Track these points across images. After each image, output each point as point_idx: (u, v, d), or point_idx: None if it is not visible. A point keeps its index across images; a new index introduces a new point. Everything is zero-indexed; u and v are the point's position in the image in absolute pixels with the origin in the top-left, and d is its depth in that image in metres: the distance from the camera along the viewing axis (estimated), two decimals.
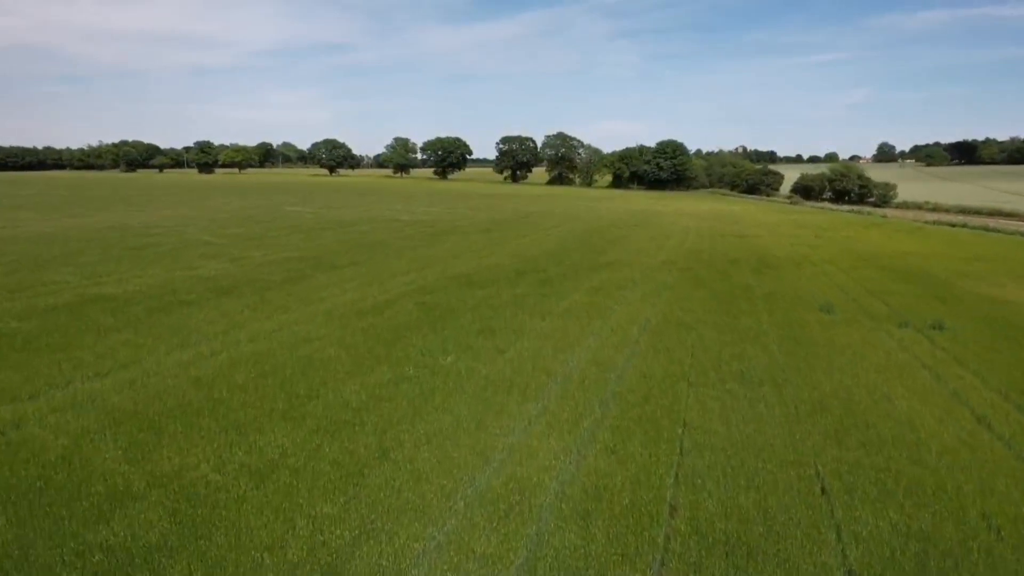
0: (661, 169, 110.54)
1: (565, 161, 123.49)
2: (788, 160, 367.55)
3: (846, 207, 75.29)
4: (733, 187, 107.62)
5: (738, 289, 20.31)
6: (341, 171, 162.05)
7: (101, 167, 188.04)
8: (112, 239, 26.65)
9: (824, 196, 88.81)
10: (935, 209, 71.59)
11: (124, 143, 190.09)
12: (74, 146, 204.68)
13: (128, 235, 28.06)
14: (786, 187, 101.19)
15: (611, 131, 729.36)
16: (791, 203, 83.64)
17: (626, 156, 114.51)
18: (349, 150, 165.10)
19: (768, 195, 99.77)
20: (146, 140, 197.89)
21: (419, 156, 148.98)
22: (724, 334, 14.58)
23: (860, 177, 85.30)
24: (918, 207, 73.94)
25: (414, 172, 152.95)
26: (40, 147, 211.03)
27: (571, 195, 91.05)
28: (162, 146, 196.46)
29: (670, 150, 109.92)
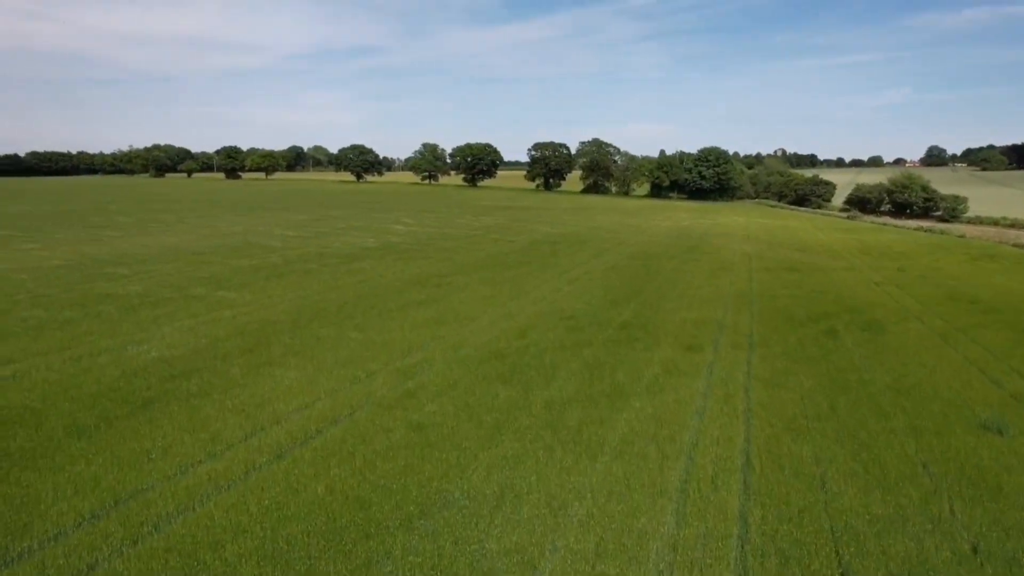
0: (703, 178, 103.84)
1: (601, 169, 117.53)
2: (829, 164, 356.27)
3: (912, 222, 68.49)
4: (780, 197, 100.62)
5: (850, 378, 15.07)
6: (368, 177, 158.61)
7: (131, 172, 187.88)
8: (56, 285, 22.35)
9: (883, 209, 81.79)
10: (1013, 225, 64.47)
11: (156, 147, 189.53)
12: (107, 150, 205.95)
13: (78, 280, 23.65)
14: (839, 197, 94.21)
15: (641, 133, 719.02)
16: (848, 217, 76.77)
17: (665, 164, 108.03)
18: (376, 155, 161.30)
19: (819, 207, 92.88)
20: (178, 144, 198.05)
21: (448, 162, 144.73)
22: (870, 497, 9.49)
23: (924, 188, 78.00)
24: (994, 223, 66.77)
25: (443, 179, 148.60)
26: (74, 152, 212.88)
27: (608, 207, 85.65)
28: (194, 150, 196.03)
29: (713, 158, 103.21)
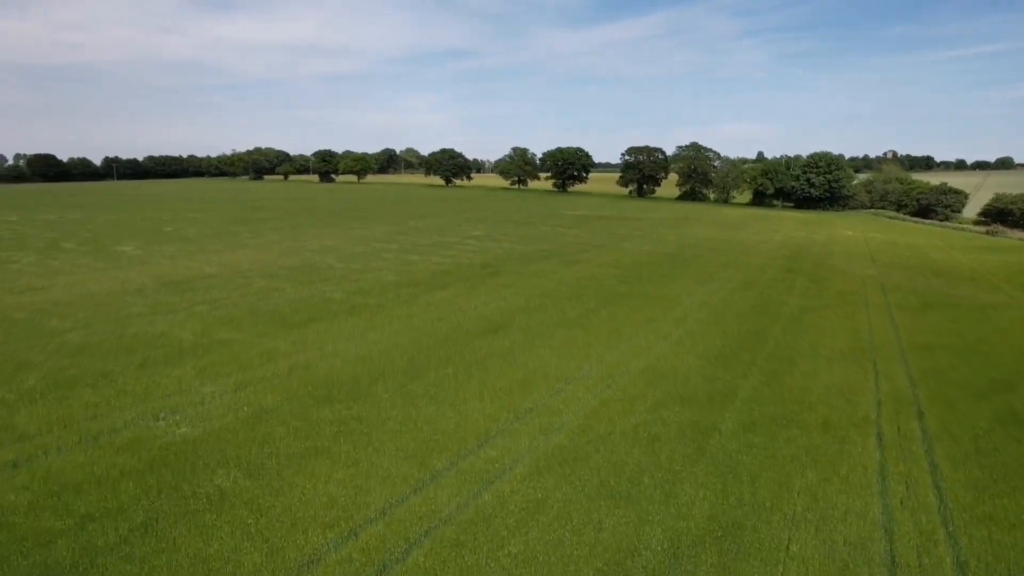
0: (812, 186, 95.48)
1: (699, 174, 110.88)
2: (948, 166, 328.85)
3: None
4: (899, 207, 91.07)
5: None
6: (457, 181, 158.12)
7: (234, 174, 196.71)
8: (108, 321, 20.80)
9: None
10: None
11: (257, 150, 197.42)
12: (214, 154, 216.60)
13: (132, 314, 22.13)
14: (970, 208, 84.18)
15: (739, 133, 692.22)
16: (988, 233, 67.82)
17: (770, 169, 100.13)
18: (465, 159, 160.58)
19: (947, 218, 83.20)
20: (279, 147, 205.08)
21: (538, 164, 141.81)
22: None
23: None
24: None
25: (533, 184, 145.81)
26: (185, 156, 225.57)
27: (708, 217, 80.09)
28: (292, 152, 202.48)
29: (823, 163, 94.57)
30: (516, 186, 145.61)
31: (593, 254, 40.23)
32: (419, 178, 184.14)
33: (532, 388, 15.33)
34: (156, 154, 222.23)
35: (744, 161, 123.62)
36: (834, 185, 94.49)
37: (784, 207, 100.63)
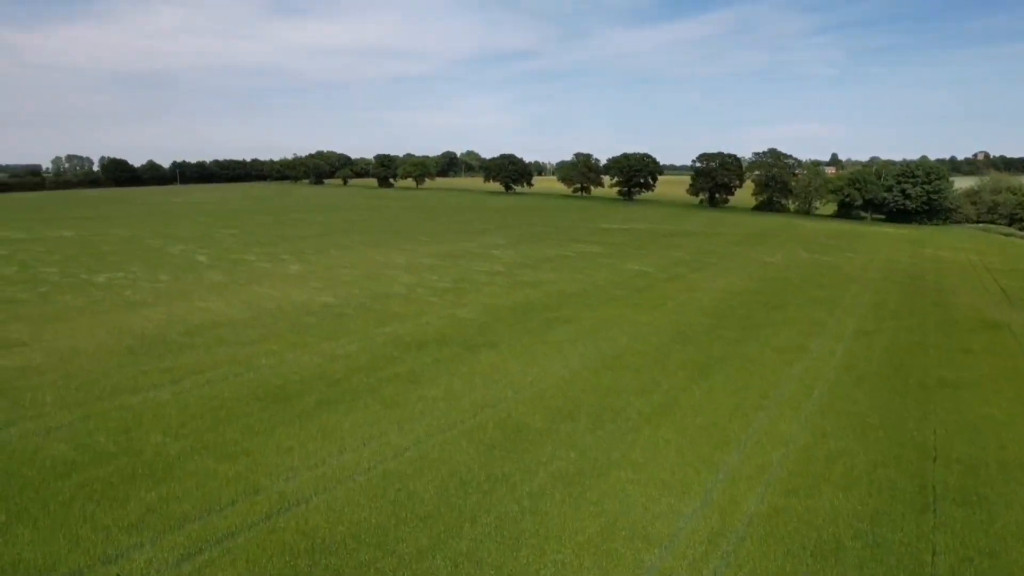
0: (908, 197, 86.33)
1: (778, 183, 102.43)
2: None
3: None
4: (1012, 221, 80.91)
5: None
6: (516, 188, 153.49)
7: (295, 178, 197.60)
8: (56, 411, 16.86)
9: None
10: None
11: (319, 154, 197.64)
12: (276, 157, 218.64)
13: (89, 398, 18.23)
14: None
15: (810, 133, 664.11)
16: None
17: (857, 179, 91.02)
18: (525, 165, 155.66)
19: None
20: (340, 150, 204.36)
21: (601, 169, 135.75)
22: None
23: None
24: None
25: (596, 191, 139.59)
26: (248, 160, 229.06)
27: (790, 233, 72.66)
28: (354, 156, 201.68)
29: (920, 172, 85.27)
30: (579, 193, 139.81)
31: (666, 290, 34.70)
32: (478, 182, 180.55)
33: (611, 563, 10.35)
34: (222, 158, 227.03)
35: (818, 163, 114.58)
36: (933, 196, 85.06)
37: (874, 220, 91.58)
